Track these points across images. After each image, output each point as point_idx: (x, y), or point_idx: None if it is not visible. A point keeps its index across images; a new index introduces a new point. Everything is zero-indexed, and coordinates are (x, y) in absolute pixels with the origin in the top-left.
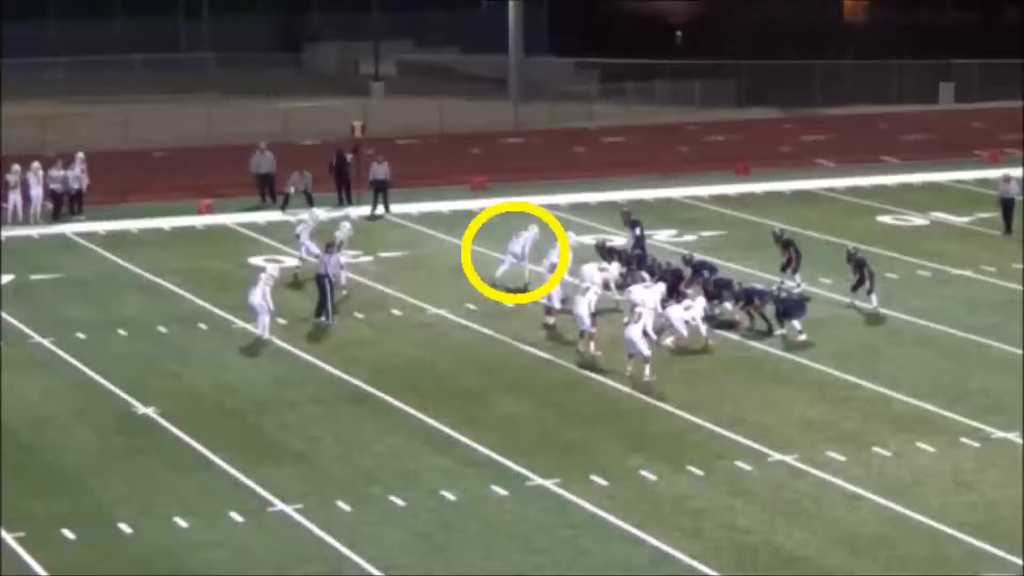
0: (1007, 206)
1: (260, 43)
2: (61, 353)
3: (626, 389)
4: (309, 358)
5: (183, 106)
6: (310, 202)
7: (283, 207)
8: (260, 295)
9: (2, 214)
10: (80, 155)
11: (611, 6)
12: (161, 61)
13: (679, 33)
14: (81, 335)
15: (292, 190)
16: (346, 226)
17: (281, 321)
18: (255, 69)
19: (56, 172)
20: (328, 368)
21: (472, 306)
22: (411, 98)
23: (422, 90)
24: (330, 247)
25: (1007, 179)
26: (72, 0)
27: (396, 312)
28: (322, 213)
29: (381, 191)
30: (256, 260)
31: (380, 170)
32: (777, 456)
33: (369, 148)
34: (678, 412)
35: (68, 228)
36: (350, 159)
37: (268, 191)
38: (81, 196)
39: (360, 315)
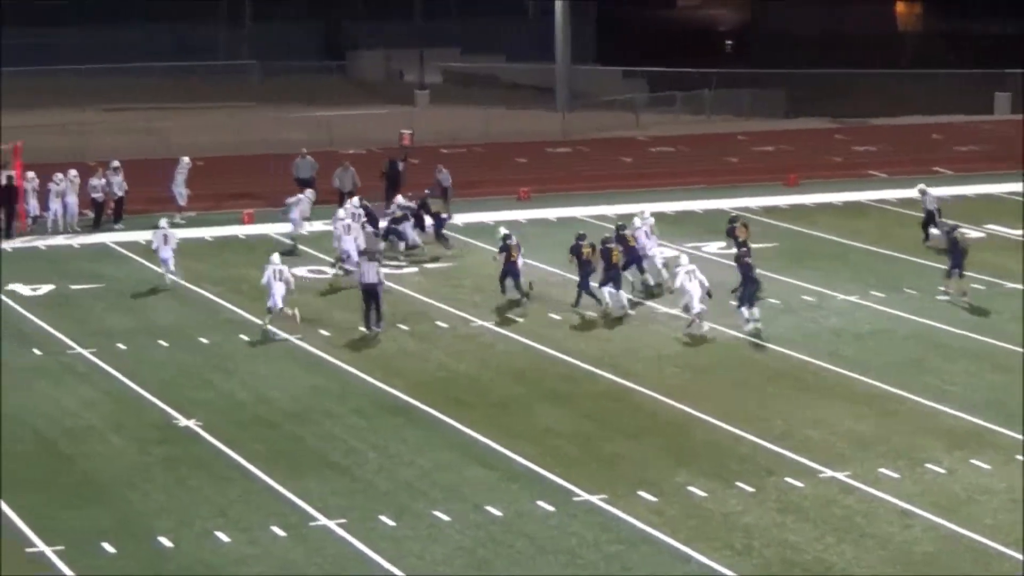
0: None
1: (303, 50)
2: (101, 363)
3: (669, 401)
4: (351, 369)
5: (224, 114)
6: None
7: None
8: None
9: (43, 223)
10: (115, 163)
11: (659, 14)
12: (202, 68)
13: (729, 41)
14: (121, 345)
15: (336, 183)
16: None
17: (323, 332)
18: (297, 77)
19: (96, 180)
20: (370, 380)
21: (516, 317)
22: (456, 107)
23: (467, 99)
24: (368, 254)
25: None
26: (113, 5)
27: (440, 323)
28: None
29: (444, 199)
30: (299, 271)
31: (445, 177)
32: (828, 472)
33: (414, 157)
34: (723, 425)
35: (108, 237)
36: (402, 167)
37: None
38: (121, 204)
39: (403, 326)
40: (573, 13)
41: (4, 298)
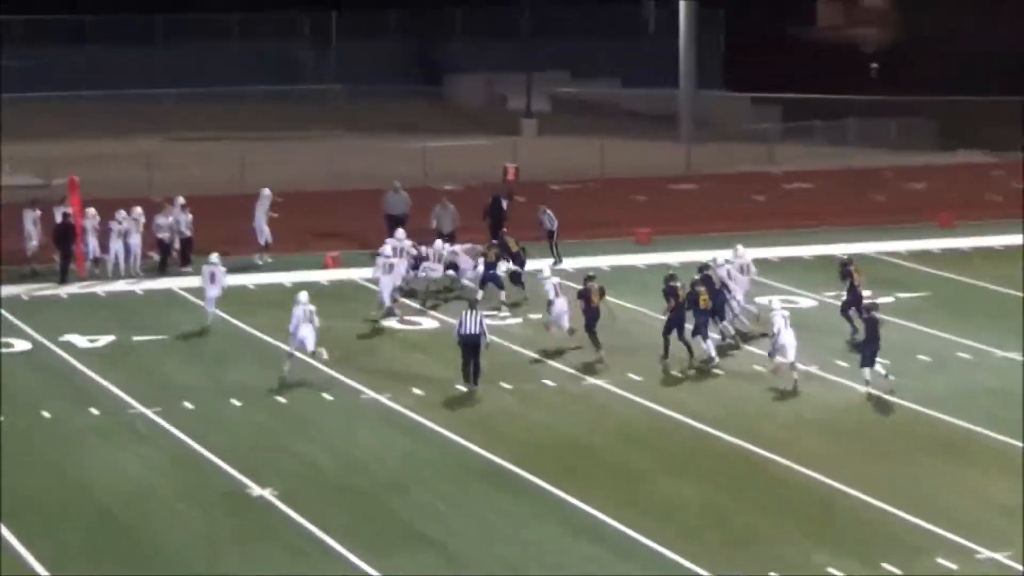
0: None
1: (394, 73)
2: (165, 424)
3: (806, 470)
4: (447, 433)
5: (306, 144)
6: (451, 240)
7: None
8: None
9: (104, 266)
10: (180, 200)
11: (796, 34)
12: (281, 93)
13: (874, 64)
14: (188, 404)
15: (435, 224)
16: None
17: (415, 391)
18: (388, 103)
19: (162, 219)
20: (469, 444)
21: (635, 376)
22: (567, 137)
23: (580, 128)
24: (473, 303)
25: None
26: (183, 24)
27: (548, 382)
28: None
29: (549, 243)
30: (390, 322)
31: (549, 219)
32: (985, 552)
33: (519, 194)
34: (867, 498)
35: (175, 282)
36: (506, 205)
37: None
38: (190, 245)
39: (507, 385)
40: (699, 32)
41: (59, 351)
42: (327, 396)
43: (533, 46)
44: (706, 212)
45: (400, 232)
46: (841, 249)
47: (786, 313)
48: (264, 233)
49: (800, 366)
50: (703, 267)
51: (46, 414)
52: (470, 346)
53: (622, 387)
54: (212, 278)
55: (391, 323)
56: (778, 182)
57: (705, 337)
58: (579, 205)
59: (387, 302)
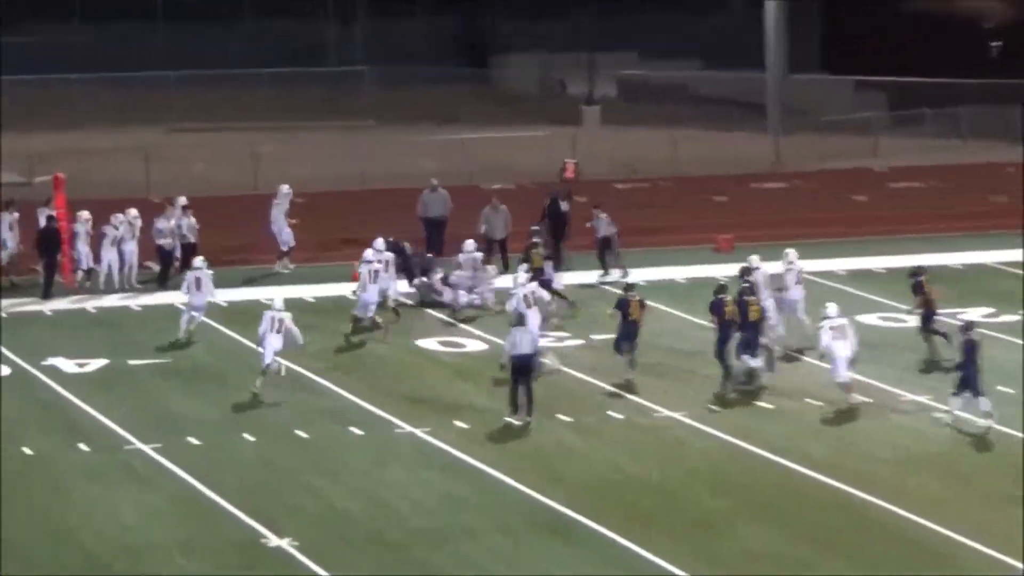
0: None
1: (432, 54)
2: (167, 463)
3: (915, 517)
4: (494, 472)
5: (329, 136)
6: (501, 251)
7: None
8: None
9: (95, 278)
10: (182, 200)
11: (904, 7)
12: (301, 76)
13: (996, 43)
14: (194, 440)
15: (483, 228)
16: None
17: (458, 423)
18: (425, 88)
19: (163, 222)
20: (519, 486)
21: (715, 407)
22: (635, 128)
23: (650, 118)
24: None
25: None
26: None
27: (613, 413)
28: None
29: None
30: (427, 343)
31: (603, 224)
32: None
33: (579, 194)
34: (986, 550)
35: (178, 297)
36: (565, 208)
37: (438, 241)
38: (193, 253)
39: (564, 416)
40: (791, 7)
41: (42, 376)
42: (355, 430)
43: (596, 23)
44: (797, 215)
45: (379, 242)
46: (955, 259)
47: (837, 323)
48: (285, 237)
49: (853, 391)
50: (744, 271)
51: (27, 451)
52: (521, 369)
53: (699, 419)
54: (198, 284)
55: (429, 344)
56: (882, 180)
57: (753, 354)
58: (649, 207)
59: (371, 314)
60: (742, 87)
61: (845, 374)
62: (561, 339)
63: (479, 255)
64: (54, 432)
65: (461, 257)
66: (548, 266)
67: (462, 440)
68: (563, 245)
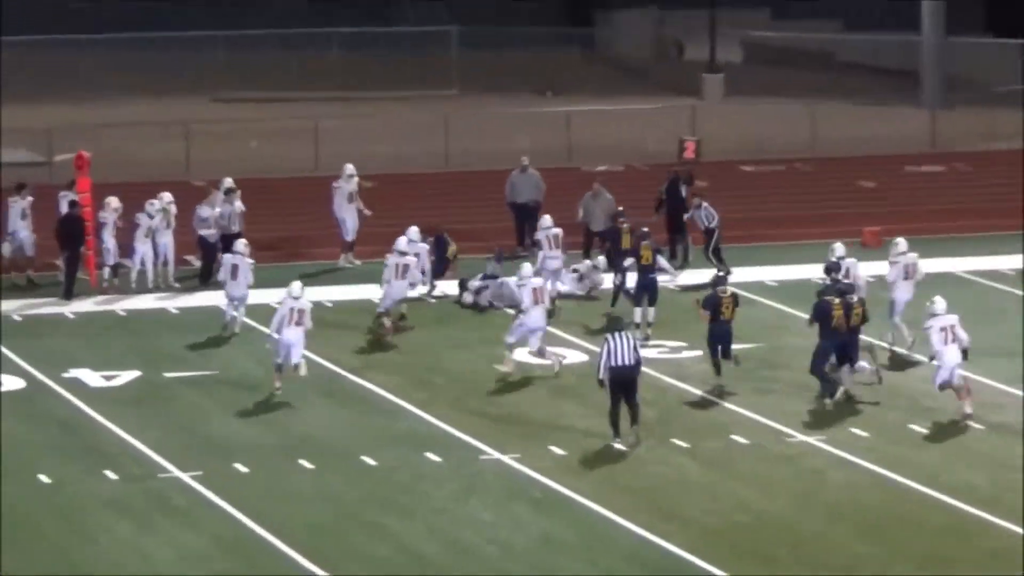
0: None
1: (525, 11)
2: (209, 494)
3: None
4: (595, 507)
5: (405, 107)
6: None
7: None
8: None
9: (125, 275)
10: (228, 183)
11: None
12: (371, 38)
13: None
14: (241, 467)
15: (581, 215)
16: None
17: (555, 450)
18: (517, 51)
19: (206, 210)
20: (626, 523)
21: (861, 431)
22: (765, 99)
23: (783, 87)
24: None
25: None
26: None
27: (738, 438)
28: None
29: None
30: (516, 352)
31: (706, 214)
32: None
33: (700, 177)
34: None
35: (222, 297)
36: (686, 192)
37: (529, 229)
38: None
39: (680, 442)
40: None
41: (62, 391)
42: (433, 456)
43: None
44: (959, 204)
45: (413, 231)
46: None
47: (947, 323)
48: (349, 226)
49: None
50: (831, 267)
51: (43, 479)
52: (624, 384)
53: (841, 445)
54: (234, 272)
55: (519, 354)
56: None
57: (854, 364)
58: (780, 193)
59: (385, 309)
60: (892, 52)
61: (957, 380)
62: (677, 349)
63: (558, 230)
64: (75, 457)
65: (539, 234)
66: (660, 260)
67: (559, 469)
68: (682, 237)
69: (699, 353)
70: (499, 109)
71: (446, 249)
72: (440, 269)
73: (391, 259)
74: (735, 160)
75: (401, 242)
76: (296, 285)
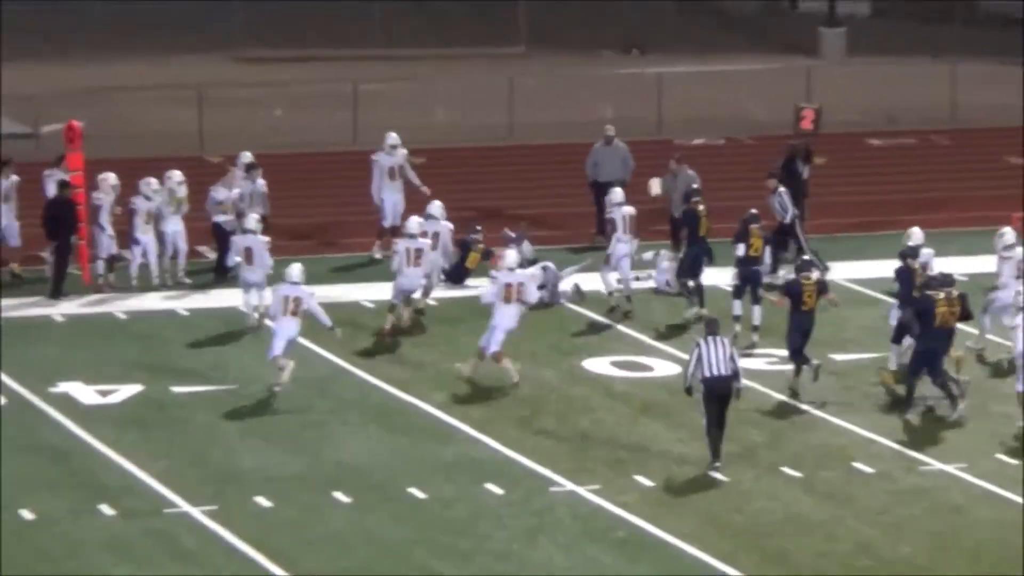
0: None
1: None
2: (224, 533)
3: None
4: (692, 550)
5: (463, 69)
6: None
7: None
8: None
9: (125, 269)
10: (247, 158)
11: None
12: None
13: None
14: (263, 501)
15: (655, 190)
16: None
17: (640, 480)
18: (598, 5)
19: (220, 192)
20: (729, 570)
21: (1007, 457)
22: (893, 59)
23: (916, 45)
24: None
25: None
26: None
27: (859, 465)
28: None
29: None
30: (596, 363)
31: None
32: None
33: (819, 153)
34: None
35: (239, 295)
36: (805, 172)
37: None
38: (264, 227)
39: (790, 470)
40: None
41: (50, 409)
42: (494, 488)
43: None
44: None
45: (436, 206)
46: None
47: None
48: (388, 208)
49: None
50: (908, 252)
51: (26, 515)
52: (719, 396)
53: (987, 476)
54: (248, 256)
55: (600, 366)
56: None
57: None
58: (914, 171)
59: (397, 300)
60: None
61: None
62: (776, 361)
63: (631, 209)
64: (65, 488)
65: (612, 213)
66: (767, 252)
67: (646, 503)
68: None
69: (816, 363)
70: (575, 70)
71: (468, 253)
72: (459, 276)
73: (400, 244)
74: (859, 132)
75: (412, 223)
76: (295, 268)
